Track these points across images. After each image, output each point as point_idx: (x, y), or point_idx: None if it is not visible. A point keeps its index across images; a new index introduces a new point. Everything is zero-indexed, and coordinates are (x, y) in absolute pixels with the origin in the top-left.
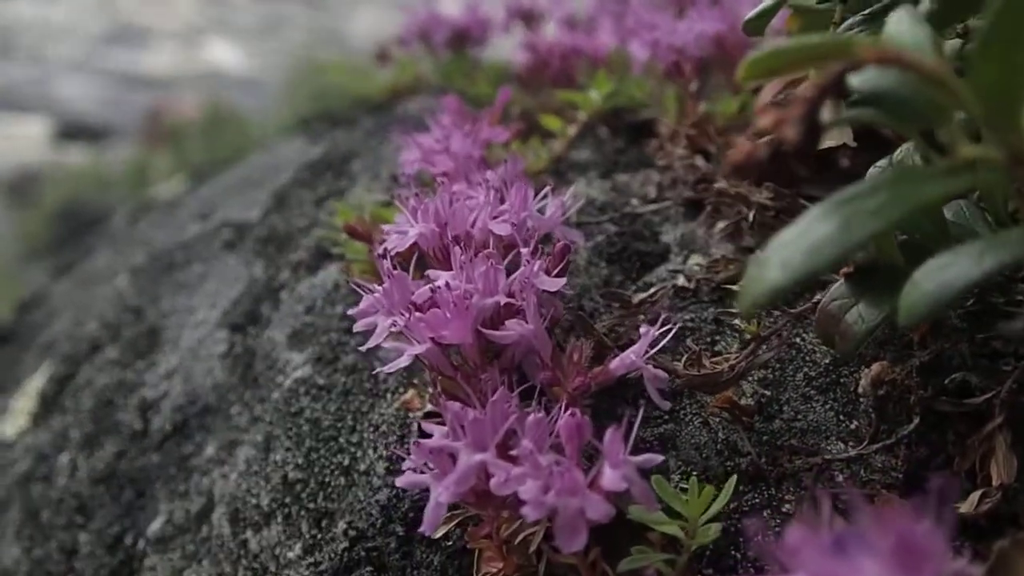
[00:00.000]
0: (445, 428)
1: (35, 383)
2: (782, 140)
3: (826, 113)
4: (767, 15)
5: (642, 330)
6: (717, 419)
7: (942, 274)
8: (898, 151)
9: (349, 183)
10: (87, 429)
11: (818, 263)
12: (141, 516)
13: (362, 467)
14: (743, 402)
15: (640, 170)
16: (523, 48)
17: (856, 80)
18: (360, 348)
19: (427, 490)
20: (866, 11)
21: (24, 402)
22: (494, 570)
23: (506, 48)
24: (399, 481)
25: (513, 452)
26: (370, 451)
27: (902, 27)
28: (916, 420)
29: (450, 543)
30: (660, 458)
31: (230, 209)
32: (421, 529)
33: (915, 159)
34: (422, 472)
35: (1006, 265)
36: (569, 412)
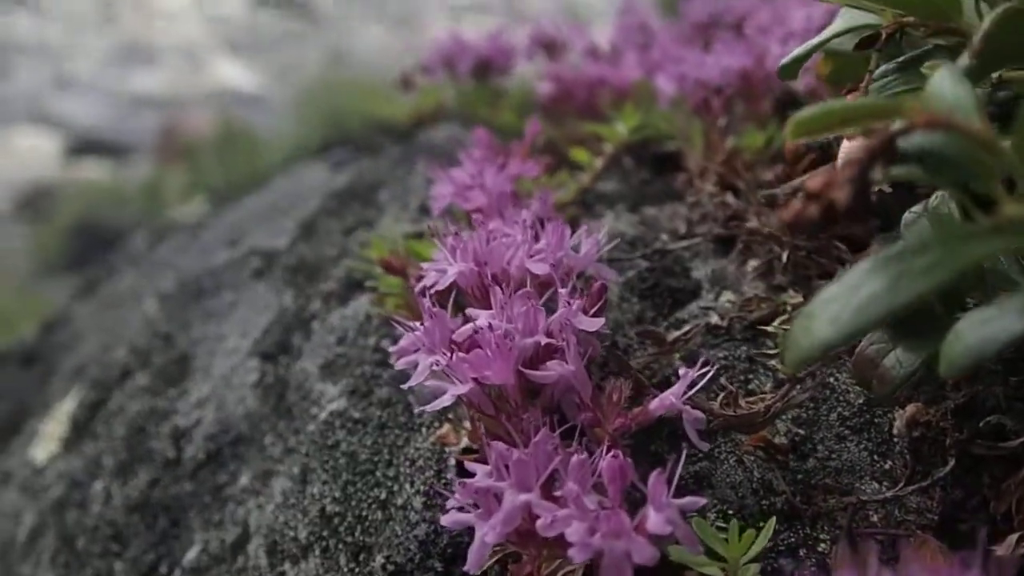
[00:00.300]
0: (487, 467)
1: (65, 408)
2: (833, 201)
3: (875, 174)
4: (800, 61)
5: (680, 372)
6: (752, 457)
7: (985, 328)
8: (933, 198)
9: (377, 213)
10: (120, 456)
11: (867, 321)
12: (176, 545)
13: (399, 501)
14: (777, 441)
15: (667, 203)
16: (548, 78)
17: (903, 141)
18: (400, 384)
19: (469, 528)
20: (900, 59)
21: (54, 427)
22: None
23: (528, 74)
24: (444, 520)
25: (557, 493)
26: (407, 485)
27: (945, 87)
28: (951, 462)
29: None
30: (703, 501)
31: (257, 236)
32: (465, 568)
33: (950, 207)
34: (466, 511)
35: None
36: (612, 454)
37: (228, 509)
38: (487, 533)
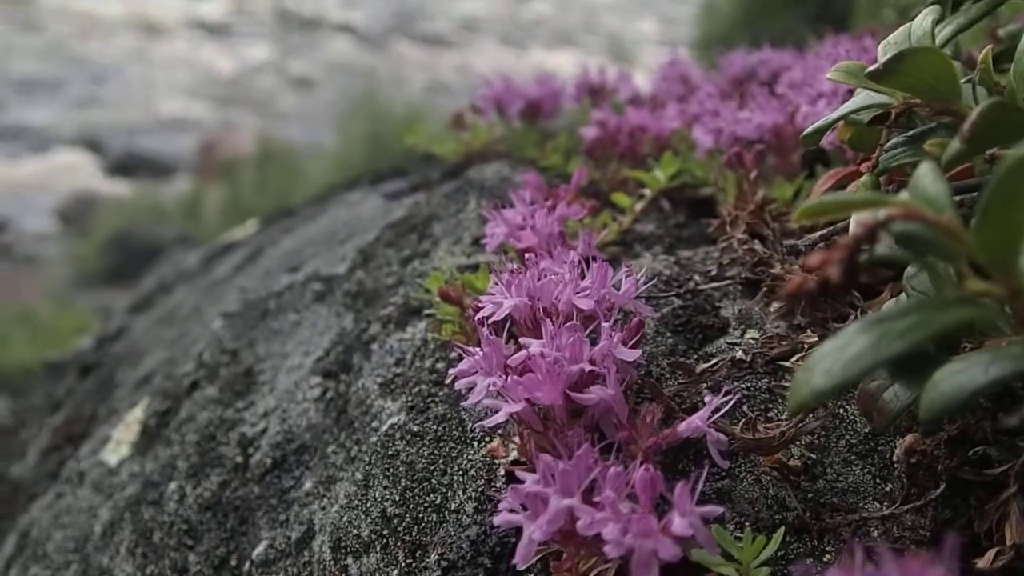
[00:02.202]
0: (535, 475)
1: (134, 415)
2: (827, 277)
3: (863, 255)
4: (822, 131)
5: (707, 399)
6: (768, 477)
7: (956, 379)
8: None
9: (432, 245)
10: (192, 460)
11: (854, 373)
12: (245, 541)
13: (453, 506)
14: (791, 463)
15: (701, 246)
16: (593, 123)
17: (896, 226)
18: (454, 403)
19: (515, 529)
20: (908, 133)
21: (125, 433)
22: None
23: (575, 117)
24: (496, 520)
25: (596, 499)
26: (460, 492)
27: (926, 182)
28: (943, 486)
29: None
30: (720, 510)
31: (317, 262)
32: (514, 562)
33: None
34: (515, 513)
35: (1007, 376)
36: (644, 467)
37: (293, 510)
38: (534, 531)
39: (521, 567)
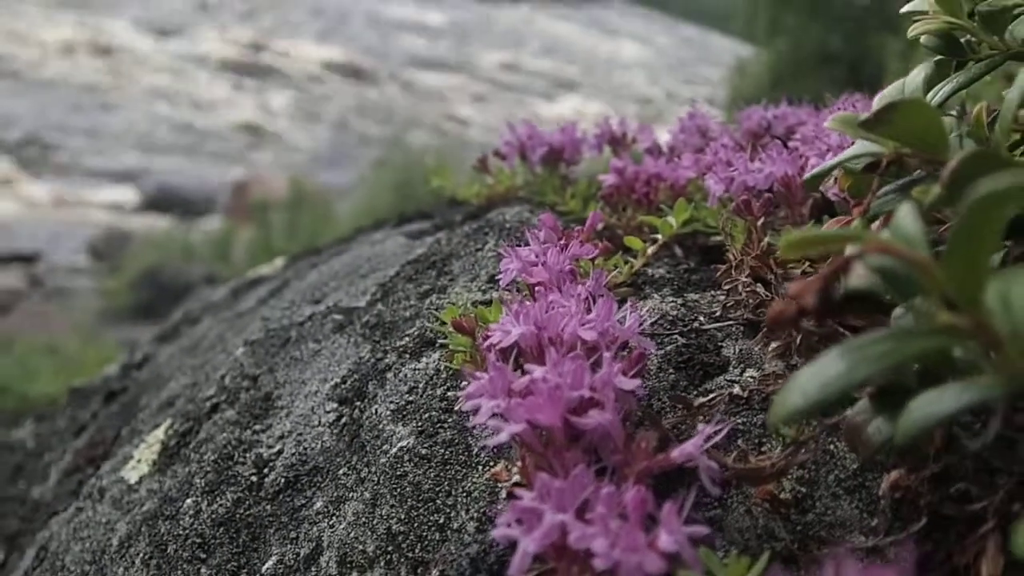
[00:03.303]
0: (532, 492)
1: (156, 435)
2: (803, 305)
3: (840, 285)
4: (820, 177)
5: (699, 427)
6: (759, 508)
7: (927, 407)
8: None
9: (450, 282)
10: (209, 478)
11: (828, 394)
12: (255, 556)
13: (455, 525)
14: (782, 496)
15: (708, 290)
16: (611, 171)
17: (869, 260)
18: (462, 429)
19: (513, 546)
20: (899, 182)
21: (146, 452)
22: None
23: (595, 166)
24: (495, 533)
25: (588, 516)
26: (463, 512)
27: (905, 222)
28: (924, 520)
29: None
30: (706, 530)
31: (340, 295)
32: (508, 572)
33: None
34: (512, 527)
35: (973, 403)
36: (635, 488)
37: (303, 528)
38: (529, 544)
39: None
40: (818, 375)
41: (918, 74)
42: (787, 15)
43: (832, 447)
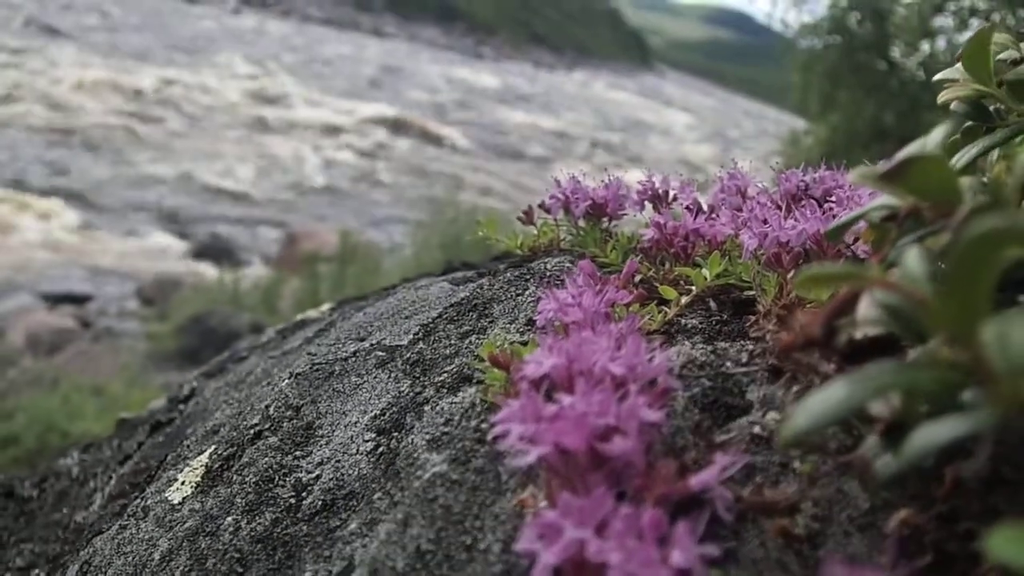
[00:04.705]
0: (555, 511)
1: (200, 460)
2: (810, 336)
3: (847, 319)
4: (843, 228)
5: (716, 458)
6: (773, 543)
7: (927, 436)
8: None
9: (490, 323)
10: (250, 498)
11: (831, 416)
12: (290, 572)
13: (482, 546)
14: (796, 532)
15: (738, 340)
16: (652, 225)
17: (878, 296)
18: (493, 459)
19: (532, 564)
20: (917, 233)
21: (190, 475)
22: None
23: (637, 222)
24: (517, 546)
25: (606, 534)
26: (489, 535)
27: (912, 263)
28: (929, 557)
29: None
30: (718, 551)
31: (383, 335)
32: None
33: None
34: (534, 542)
35: (968, 432)
36: (653, 510)
37: (337, 547)
38: (548, 556)
39: None
40: (823, 399)
41: (938, 133)
42: (841, 91)
43: (846, 487)
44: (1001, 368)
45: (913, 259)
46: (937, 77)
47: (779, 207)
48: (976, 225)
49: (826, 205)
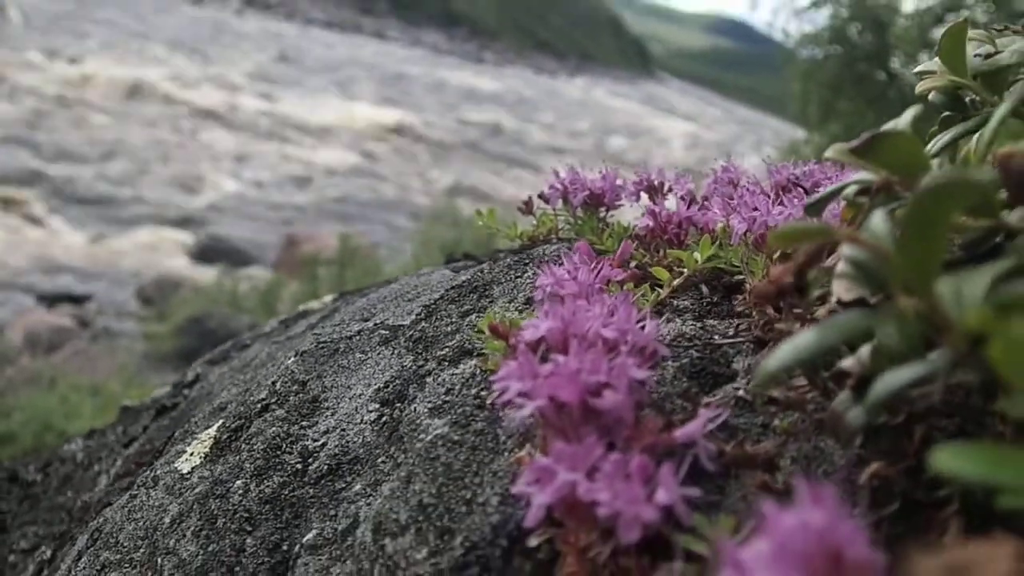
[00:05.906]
0: (548, 458)
1: (208, 433)
2: (782, 283)
3: (814, 271)
4: (821, 203)
5: (700, 412)
6: (753, 496)
7: (889, 380)
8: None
9: (490, 303)
10: (258, 463)
11: (800, 358)
12: (296, 531)
13: (480, 500)
14: (776, 486)
15: (727, 318)
16: (647, 214)
17: (846, 251)
18: (492, 423)
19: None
20: (890, 206)
21: (199, 447)
22: (571, 570)
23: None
24: (513, 489)
25: (596, 477)
26: (488, 489)
27: (875, 222)
28: (896, 504)
29: (540, 555)
30: (698, 491)
31: (386, 315)
32: (524, 523)
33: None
34: (530, 485)
35: (923, 375)
36: (640, 456)
37: (343, 507)
38: (542, 497)
39: (530, 525)
40: (794, 345)
41: (909, 114)
42: (841, 101)
43: (822, 444)
44: (955, 316)
45: (877, 219)
46: (917, 69)
47: (767, 195)
48: (929, 179)
49: (813, 193)
